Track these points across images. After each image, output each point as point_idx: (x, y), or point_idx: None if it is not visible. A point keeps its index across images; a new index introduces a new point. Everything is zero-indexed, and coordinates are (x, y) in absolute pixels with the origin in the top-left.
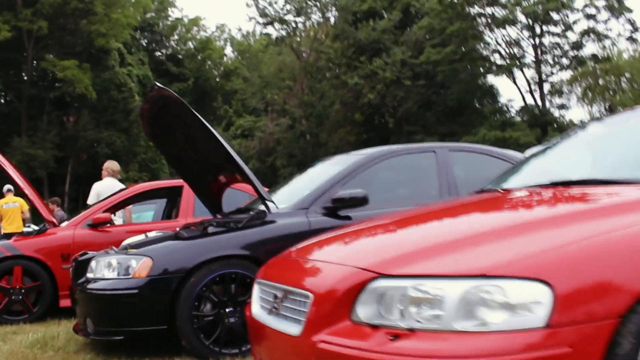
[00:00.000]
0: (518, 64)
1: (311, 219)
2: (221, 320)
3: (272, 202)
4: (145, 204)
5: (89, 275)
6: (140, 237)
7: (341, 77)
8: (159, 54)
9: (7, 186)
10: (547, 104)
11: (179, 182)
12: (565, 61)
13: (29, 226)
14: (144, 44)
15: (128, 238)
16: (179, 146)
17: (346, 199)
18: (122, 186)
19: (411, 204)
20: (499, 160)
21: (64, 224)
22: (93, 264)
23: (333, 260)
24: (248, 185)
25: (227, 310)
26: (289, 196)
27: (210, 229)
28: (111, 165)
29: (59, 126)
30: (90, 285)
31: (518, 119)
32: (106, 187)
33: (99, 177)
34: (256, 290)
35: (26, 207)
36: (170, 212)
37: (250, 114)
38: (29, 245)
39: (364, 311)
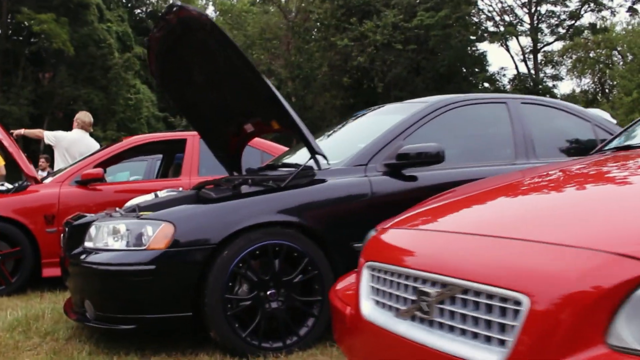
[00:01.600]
0: (514, 30)
1: (372, 179)
2: (261, 305)
3: (324, 155)
4: (131, 161)
5: (88, 244)
6: (148, 197)
7: (330, 39)
8: (139, 11)
9: None
10: (541, 74)
11: (180, 134)
12: (561, 30)
13: (2, 184)
14: (124, 1)
15: (131, 199)
16: (196, 87)
17: (415, 155)
18: (92, 140)
19: (485, 163)
20: (575, 118)
21: (47, 181)
22: (93, 230)
23: (557, 239)
24: (284, 130)
25: (268, 292)
26: (334, 152)
27: (245, 189)
28: (82, 116)
29: (34, 82)
30: (89, 258)
31: (509, 87)
32: (74, 139)
33: None
34: (366, 279)
35: (1, 161)
36: (166, 170)
37: None
38: (5, 205)
39: (631, 330)
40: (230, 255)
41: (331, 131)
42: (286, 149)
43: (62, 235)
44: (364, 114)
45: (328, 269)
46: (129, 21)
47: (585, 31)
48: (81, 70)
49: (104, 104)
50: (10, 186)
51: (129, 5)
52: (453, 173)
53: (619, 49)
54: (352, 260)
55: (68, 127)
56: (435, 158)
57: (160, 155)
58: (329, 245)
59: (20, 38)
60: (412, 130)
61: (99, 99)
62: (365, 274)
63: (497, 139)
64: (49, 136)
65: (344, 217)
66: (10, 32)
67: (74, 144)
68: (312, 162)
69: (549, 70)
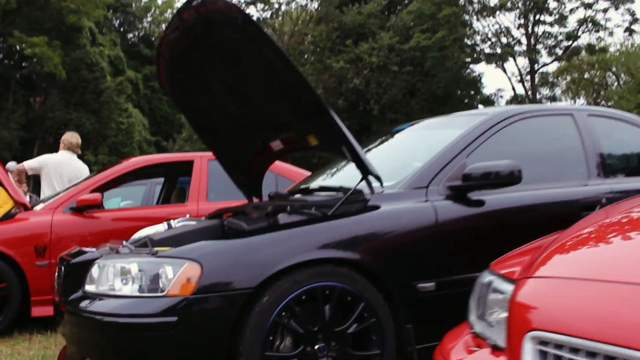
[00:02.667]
0: (512, 51)
1: (436, 204)
2: None
3: (378, 177)
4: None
5: (89, 287)
6: (160, 228)
7: (325, 61)
8: (131, 35)
9: None
10: (538, 95)
11: (186, 155)
12: (558, 51)
13: None
14: (116, 25)
15: (136, 229)
16: (214, 97)
17: (483, 175)
18: (80, 163)
19: (558, 183)
20: None
21: (38, 207)
22: (96, 270)
23: None
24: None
25: (316, 347)
26: (382, 173)
27: (283, 218)
28: (68, 137)
29: (25, 106)
30: (92, 306)
31: None
32: (59, 161)
33: None
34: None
35: None
36: (168, 195)
37: None
38: None
39: None
40: (271, 302)
41: (366, 149)
42: (306, 172)
43: (56, 273)
44: (404, 129)
45: (388, 315)
46: (121, 45)
47: (583, 52)
48: (73, 93)
49: (95, 128)
50: None
51: (121, 29)
52: (525, 196)
53: (613, 69)
54: (416, 304)
55: (58, 152)
56: (508, 178)
57: (159, 179)
58: (389, 286)
59: (12, 62)
60: (474, 147)
61: (90, 122)
62: (531, 351)
63: (567, 155)
64: (31, 166)
65: (405, 251)
66: (1, 56)
67: (59, 167)
68: (362, 185)
69: (545, 92)
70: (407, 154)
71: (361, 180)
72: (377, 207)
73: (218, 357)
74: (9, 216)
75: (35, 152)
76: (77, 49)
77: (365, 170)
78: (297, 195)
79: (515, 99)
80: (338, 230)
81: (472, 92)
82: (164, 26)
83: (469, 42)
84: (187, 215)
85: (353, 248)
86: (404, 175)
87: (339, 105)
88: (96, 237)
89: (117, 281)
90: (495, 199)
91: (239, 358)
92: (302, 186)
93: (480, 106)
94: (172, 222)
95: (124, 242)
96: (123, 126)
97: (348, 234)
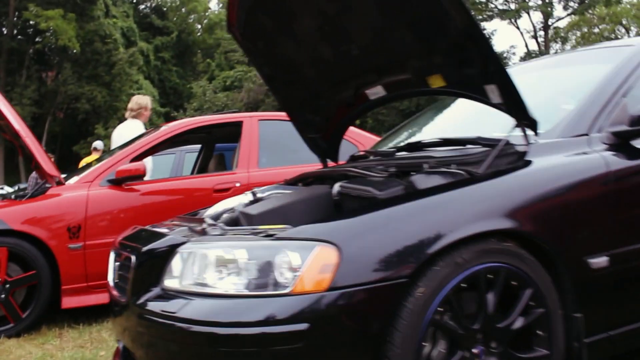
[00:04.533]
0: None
1: (605, 155)
2: None
3: (534, 123)
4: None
5: (170, 283)
6: (241, 199)
7: None
8: (143, 6)
9: None
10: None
11: (235, 116)
12: (573, 4)
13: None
14: None
15: (217, 203)
16: (304, 38)
17: None
18: (141, 129)
19: None
20: None
21: (71, 181)
22: (178, 259)
23: None
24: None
25: (474, 350)
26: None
27: (420, 181)
28: (137, 99)
29: (38, 82)
30: (179, 310)
31: None
32: (119, 133)
33: (76, 136)
34: None
35: None
36: (204, 164)
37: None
38: (16, 215)
39: None
40: (428, 295)
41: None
42: (376, 137)
43: (115, 263)
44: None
45: (557, 303)
46: (133, 17)
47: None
48: (86, 67)
49: (106, 101)
50: (8, 189)
51: (134, 1)
52: None
53: (624, 22)
54: (586, 285)
55: (68, 126)
56: None
57: (188, 147)
58: (558, 265)
59: (26, 37)
60: (631, 84)
61: (102, 95)
62: None
63: None
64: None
65: (575, 217)
66: (15, 31)
67: (119, 139)
68: (515, 134)
69: (556, 47)
70: (545, 96)
71: (517, 127)
72: (533, 162)
73: None
74: (39, 192)
75: (46, 128)
76: (91, 21)
77: (521, 113)
78: (406, 153)
79: (529, 55)
80: (498, 193)
81: None
82: None
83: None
84: (238, 184)
85: (517, 217)
86: (556, 121)
87: None
88: (141, 214)
89: (211, 274)
90: None
91: None
92: (401, 143)
93: None
94: (256, 190)
95: (208, 219)
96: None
97: (510, 199)
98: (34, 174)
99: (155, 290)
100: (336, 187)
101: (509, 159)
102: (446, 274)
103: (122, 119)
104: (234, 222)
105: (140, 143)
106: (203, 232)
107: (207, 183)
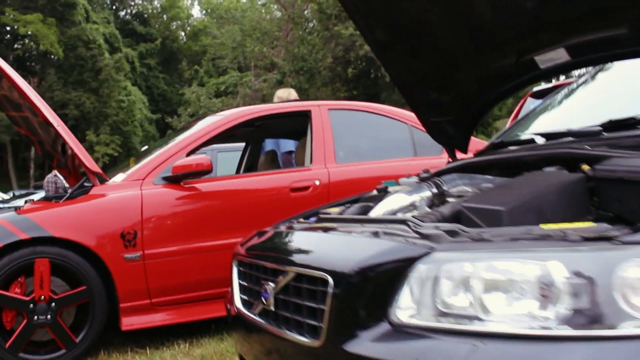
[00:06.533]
0: None
1: None
2: None
3: None
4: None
5: (406, 315)
6: (404, 198)
7: (332, 29)
8: (124, 13)
9: None
10: None
11: (302, 105)
12: None
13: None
14: (108, 2)
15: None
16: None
17: None
18: None
19: None
20: None
21: (116, 179)
22: (425, 278)
23: None
24: None
25: None
26: None
27: None
28: (280, 94)
29: None
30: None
31: None
32: None
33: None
34: None
35: None
36: (251, 162)
37: (220, 75)
38: (59, 219)
39: None
40: None
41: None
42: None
43: (236, 268)
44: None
45: None
46: (114, 23)
47: None
48: (70, 72)
49: (95, 107)
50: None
51: (114, 7)
52: None
53: None
54: None
55: None
56: None
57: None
58: None
59: (5, 42)
60: None
61: (90, 101)
62: None
63: None
64: None
65: None
66: None
67: None
68: None
69: None
70: None
71: None
72: None
73: None
74: (81, 192)
75: None
76: (72, 26)
77: None
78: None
79: None
80: None
81: None
82: (156, 2)
83: None
84: (317, 182)
85: None
86: None
87: (349, 74)
88: (206, 218)
89: (495, 300)
90: None
91: None
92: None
93: None
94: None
95: (414, 217)
96: (124, 104)
97: None
98: (51, 176)
99: (374, 327)
100: (587, 170)
101: None
102: None
103: (112, 125)
104: (446, 220)
105: (194, 135)
106: (426, 237)
107: (281, 181)
